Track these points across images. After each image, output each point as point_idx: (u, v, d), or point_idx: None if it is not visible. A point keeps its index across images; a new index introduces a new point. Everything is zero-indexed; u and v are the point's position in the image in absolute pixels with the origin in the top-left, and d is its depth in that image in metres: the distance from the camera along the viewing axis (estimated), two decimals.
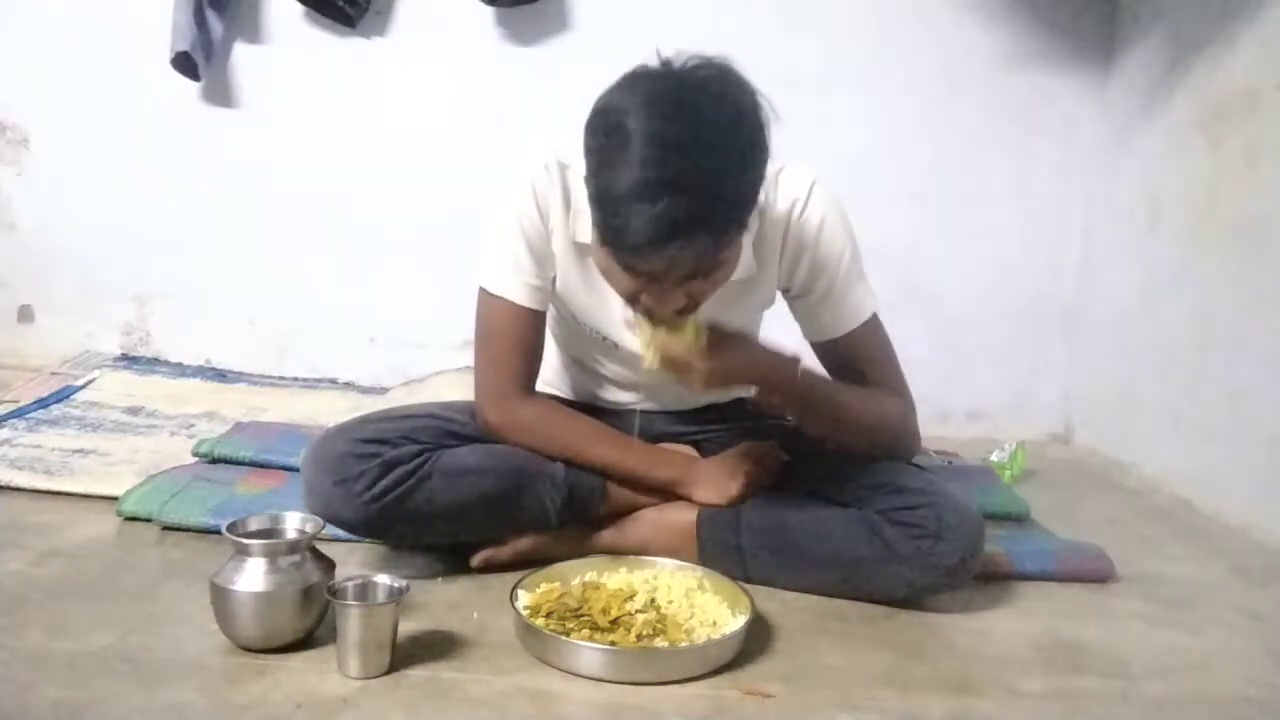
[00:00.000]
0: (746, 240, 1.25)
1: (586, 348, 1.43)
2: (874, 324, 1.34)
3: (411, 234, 2.47)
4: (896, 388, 1.35)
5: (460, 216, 2.23)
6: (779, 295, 1.39)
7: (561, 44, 2.38)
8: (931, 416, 2.48)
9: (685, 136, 0.97)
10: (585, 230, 1.24)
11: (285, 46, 2.43)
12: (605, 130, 1.01)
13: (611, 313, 1.34)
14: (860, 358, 1.34)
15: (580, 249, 1.29)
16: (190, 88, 2.41)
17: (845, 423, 1.30)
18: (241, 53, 2.43)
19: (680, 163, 0.97)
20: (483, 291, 1.32)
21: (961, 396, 2.47)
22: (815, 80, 2.37)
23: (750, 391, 1.59)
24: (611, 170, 0.99)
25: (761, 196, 1.20)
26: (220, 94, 2.45)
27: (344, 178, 2.46)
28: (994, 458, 2.06)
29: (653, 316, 1.15)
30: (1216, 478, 1.86)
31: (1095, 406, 2.39)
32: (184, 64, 2.30)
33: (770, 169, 1.22)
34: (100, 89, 2.43)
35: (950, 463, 2.05)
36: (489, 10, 2.37)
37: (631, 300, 1.15)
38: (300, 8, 2.37)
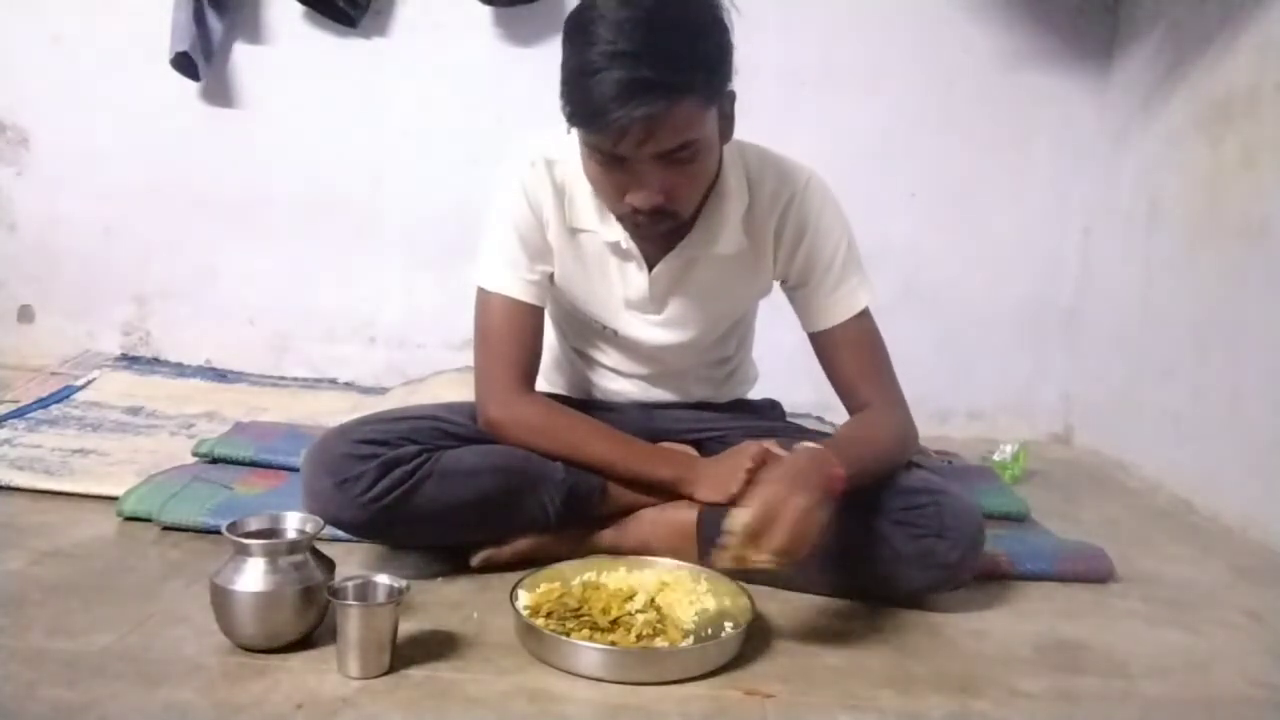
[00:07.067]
0: (736, 213, 1.29)
1: (588, 336, 1.46)
2: (866, 317, 1.35)
3: (411, 234, 2.47)
4: (886, 385, 1.35)
5: (459, 216, 2.23)
6: (777, 287, 1.41)
7: (560, 44, 2.38)
8: (931, 416, 2.48)
9: (639, 15, 1.06)
10: (579, 215, 1.30)
11: (285, 46, 2.43)
12: (574, 25, 1.12)
13: (611, 299, 1.36)
14: (853, 351, 1.35)
15: (576, 234, 1.32)
16: (190, 88, 2.41)
17: (879, 463, 1.27)
18: (241, 52, 2.44)
19: (634, 36, 1.06)
20: (480, 290, 1.34)
21: (961, 396, 2.47)
22: (815, 80, 2.38)
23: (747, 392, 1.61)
24: (579, 53, 1.09)
25: (749, 170, 1.29)
26: (220, 94, 2.45)
27: (344, 177, 2.46)
28: (994, 458, 2.06)
29: (638, 222, 1.18)
30: (1216, 478, 1.86)
31: (1095, 407, 2.39)
32: (184, 64, 2.31)
33: (761, 153, 1.32)
34: (100, 89, 2.43)
35: (950, 463, 2.05)
36: (487, 10, 2.37)
37: (620, 207, 1.18)
38: (300, 8, 2.37)
